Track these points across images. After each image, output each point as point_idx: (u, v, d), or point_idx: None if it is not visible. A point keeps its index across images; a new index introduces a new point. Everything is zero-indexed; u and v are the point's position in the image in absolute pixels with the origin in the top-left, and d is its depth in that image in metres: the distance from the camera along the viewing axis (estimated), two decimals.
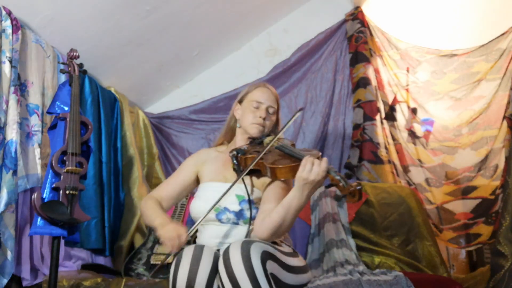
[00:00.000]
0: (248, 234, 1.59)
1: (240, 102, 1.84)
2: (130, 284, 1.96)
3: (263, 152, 1.60)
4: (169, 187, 1.80)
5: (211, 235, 1.64)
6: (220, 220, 1.63)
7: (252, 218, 1.60)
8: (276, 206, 1.52)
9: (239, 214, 1.61)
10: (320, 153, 1.58)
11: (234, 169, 1.67)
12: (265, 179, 1.68)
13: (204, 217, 1.56)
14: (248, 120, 1.76)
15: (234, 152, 1.68)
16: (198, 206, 1.66)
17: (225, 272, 1.34)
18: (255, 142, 1.74)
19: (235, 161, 1.66)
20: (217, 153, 1.84)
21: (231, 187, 1.57)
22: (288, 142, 1.73)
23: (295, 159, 1.53)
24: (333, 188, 2.61)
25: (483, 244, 2.67)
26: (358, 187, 1.35)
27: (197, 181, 1.82)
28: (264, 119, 1.75)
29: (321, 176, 1.43)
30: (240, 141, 1.81)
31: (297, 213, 1.49)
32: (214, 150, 1.87)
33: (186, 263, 1.40)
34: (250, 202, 1.60)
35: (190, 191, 1.87)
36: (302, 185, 1.44)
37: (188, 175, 1.80)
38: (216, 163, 1.79)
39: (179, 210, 2.50)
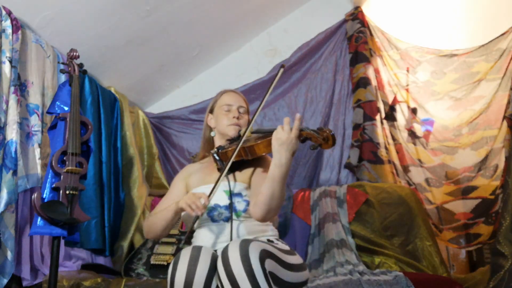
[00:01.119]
0: (231, 233, 1.61)
1: (211, 111, 1.94)
2: (130, 284, 1.97)
3: (243, 139, 1.64)
4: (167, 202, 1.80)
5: (206, 235, 1.66)
6: (212, 218, 1.66)
7: (243, 211, 1.65)
8: None
9: (230, 208, 1.65)
10: None
11: (219, 169, 1.72)
12: (248, 172, 1.74)
13: (217, 183, 1.60)
14: (224, 123, 1.84)
15: (215, 149, 1.74)
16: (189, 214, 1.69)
17: (224, 271, 1.35)
18: (234, 140, 1.79)
19: (216, 157, 1.71)
20: (201, 164, 1.90)
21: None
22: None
23: (271, 134, 1.56)
24: (330, 190, 2.60)
25: (483, 244, 2.67)
26: (331, 133, 1.43)
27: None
28: (237, 118, 1.84)
29: (294, 134, 1.47)
30: None
31: (283, 182, 1.52)
32: (198, 164, 1.94)
33: (184, 264, 1.41)
34: (231, 195, 1.65)
35: None
36: (278, 148, 1.48)
37: (180, 189, 1.84)
38: (201, 171, 1.85)
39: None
